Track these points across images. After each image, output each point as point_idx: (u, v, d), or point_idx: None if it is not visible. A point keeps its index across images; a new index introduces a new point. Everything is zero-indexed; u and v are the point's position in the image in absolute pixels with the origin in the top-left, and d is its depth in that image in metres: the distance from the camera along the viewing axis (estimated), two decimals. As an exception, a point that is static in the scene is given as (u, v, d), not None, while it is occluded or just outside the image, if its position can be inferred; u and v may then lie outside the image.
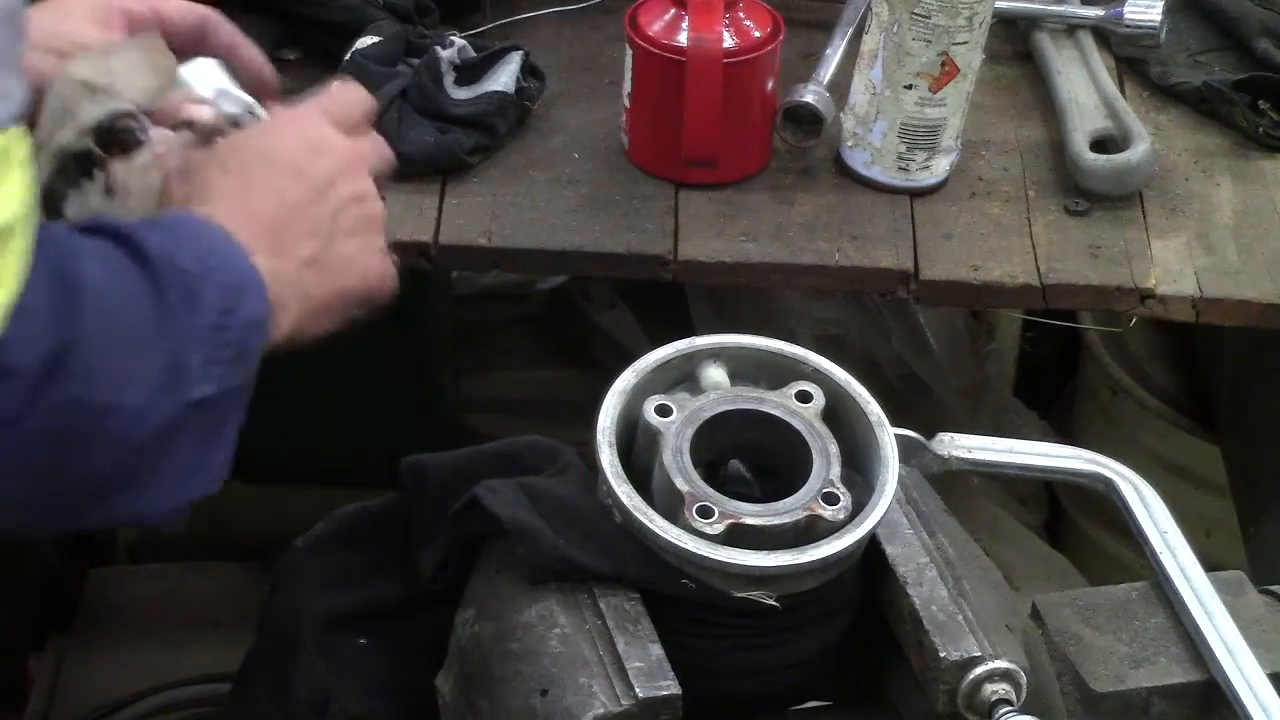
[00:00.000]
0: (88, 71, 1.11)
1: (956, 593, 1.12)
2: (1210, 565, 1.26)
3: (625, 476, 1.10)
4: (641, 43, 1.63)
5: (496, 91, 1.68)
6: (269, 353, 1.05)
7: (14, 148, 0.87)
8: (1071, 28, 1.86)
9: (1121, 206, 1.68)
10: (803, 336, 2.28)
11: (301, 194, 1.10)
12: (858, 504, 1.10)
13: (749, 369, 1.18)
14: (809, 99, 1.66)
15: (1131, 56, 1.85)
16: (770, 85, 1.66)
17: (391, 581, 1.23)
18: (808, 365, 1.18)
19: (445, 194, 1.64)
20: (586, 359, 2.46)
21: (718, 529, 1.07)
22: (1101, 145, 1.70)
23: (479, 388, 2.45)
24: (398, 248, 1.29)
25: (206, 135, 1.15)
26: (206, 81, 1.19)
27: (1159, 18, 1.81)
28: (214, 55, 1.21)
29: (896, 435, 1.15)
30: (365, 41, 1.68)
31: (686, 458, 1.11)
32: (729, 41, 1.61)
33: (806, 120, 1.67)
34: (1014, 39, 1.89)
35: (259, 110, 1.19)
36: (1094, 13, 1.85)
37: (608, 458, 1.11)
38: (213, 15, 1.22)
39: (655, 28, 1.63)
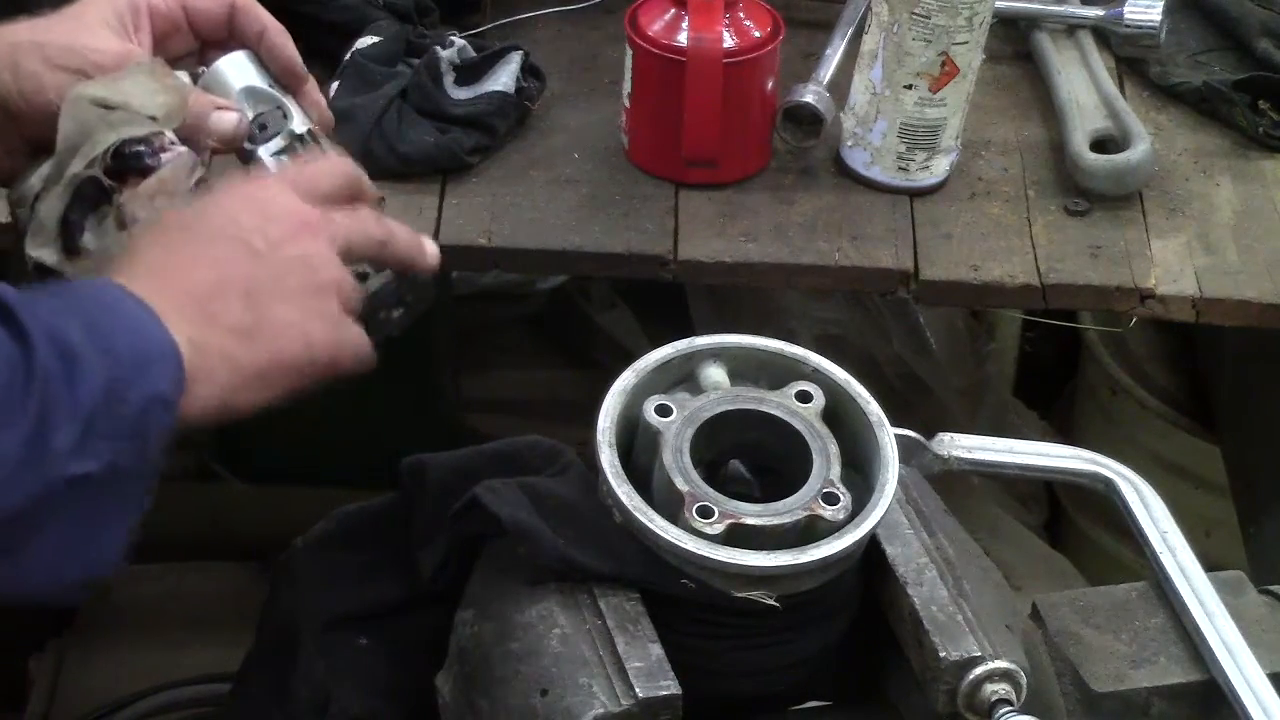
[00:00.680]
0: (101, 90, 1.08)
1: (956, 593, 1.12)
2: (1210, 565, 1.26)
3: (625, 476, 1.10)
4: (641, 43, 1.63)
5: (496, 91, 1.68)
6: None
7: None
8: (1071, 28, 1.86)
9: (1121, 206, 1.68)
10: (803, 336, 2.28)
11: (235, 256, 1.03)
12: (858, 504, 1.10)
13: (749, 369, 1.18)
14: (809, 99, 1.66)
15: (1131, 56, 1.85)
16: (770, 85, 1.66)
17: (391, 581, 1.22)
18: (808, 365, 1.17)
19: (445, 194, 1.64)
20: (586, 359, 2.46)
21: (718, 529, 1.07)
22: (1101, 145, 1.70)
23: (479, 388, 2.45)
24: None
25: (231, 146, 1.14)
26: (234, 79, 1.18)
27: (1159, 18, 1.81)
28: (243, 43, 1.19)
29: (896, 435, 1.15)
30: (365, 41, 1.69)
31: (686, 458, 1.11)
32: (729, 41, 1.61)
33: (806, 120, 1.67)
34: (1014, 39, 1.89)
35: (287, 106, 1.18)
36: (1094, 13, 1.85)
37: (608, 458, 1.11)
38: (240, 0, 1.19)
39: (655, 28, 1.63)
